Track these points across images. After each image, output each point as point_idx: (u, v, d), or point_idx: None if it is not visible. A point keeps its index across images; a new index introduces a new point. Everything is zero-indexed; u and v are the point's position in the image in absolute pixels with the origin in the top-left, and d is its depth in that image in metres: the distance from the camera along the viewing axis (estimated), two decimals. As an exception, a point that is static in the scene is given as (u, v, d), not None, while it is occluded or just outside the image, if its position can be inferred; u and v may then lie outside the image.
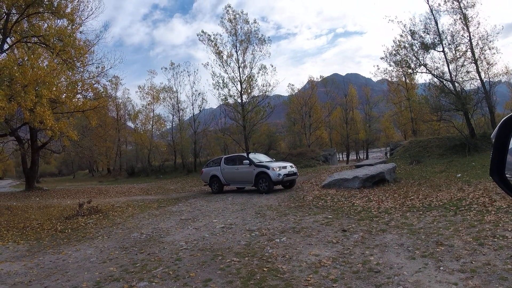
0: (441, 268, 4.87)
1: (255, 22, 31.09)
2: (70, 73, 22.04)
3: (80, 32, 23.10)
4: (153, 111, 45.63)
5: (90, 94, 25.73)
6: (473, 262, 4.92)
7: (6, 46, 18.99)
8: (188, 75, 39.95)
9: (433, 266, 4.99)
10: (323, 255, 6.00)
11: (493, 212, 7.62)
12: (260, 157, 17.19)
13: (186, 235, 8.30)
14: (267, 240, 7.32)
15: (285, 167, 15.47)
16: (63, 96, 20.67)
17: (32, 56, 16.90)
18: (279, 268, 5.46)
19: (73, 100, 22.49)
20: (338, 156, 44.34)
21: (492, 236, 5.97)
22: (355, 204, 10.82)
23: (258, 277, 5.13)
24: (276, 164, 15.62)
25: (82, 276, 5.69)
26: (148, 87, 44.63)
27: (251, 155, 16.66)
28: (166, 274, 5.56)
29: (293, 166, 16.34)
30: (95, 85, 25.73)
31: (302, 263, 5.67)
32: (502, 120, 1.44)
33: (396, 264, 5.24)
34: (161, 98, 43.53)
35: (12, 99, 16.14)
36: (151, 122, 46.01)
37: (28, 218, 12.11)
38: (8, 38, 19.36)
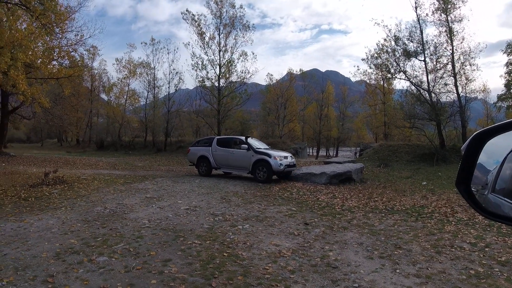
0: (397, 270, 4.91)
1: (241, 8, 30.80)
2: (48, 39, 21.20)
3: (63, -3, 22.34)
4: (129, 85, 44.65)
5: (66, 61, 24.98)
6: (429, 269, 4.99)
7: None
8: (168, 53, 39.77)
9: (390, 267, 5.04)
10: (284, 246, 6.00)
11: (453, 222, 7.76)
12: (257, 143, 16.09)
13: (149, 214, 8.18)
14: (230, 226, 7.29)
15: (286, 157, 14.70)
16: (39, 61, 20.23)
17: (11, 17, 16.29)
18: (239, 255, 5.47)
19: (48, 66, 21.92)
20: (308, 151, 44.72)
21: (450, 246, 6.07)
22: (320, 199, 10.85)
23: (217, 262, 5.11)
24: (277, 153, 14.77)
25: (43, 246, 5.57)
26: (125, 60, 43.46)
27: (249, 140, 15.49)
28: (127, 250, 5.49)
29: (292, 157, 15.66)
30: (72, 53, 24.91)
31: (262, 251, 5.67)
32: (475, 133, 1.46)
33: (354, 262, 5.27)
34: (138, 73, 42.80)
35: (-14, 60, 15.60)
36: (125, 97, 44.96)
37: (-8, 184, 11.63)
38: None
